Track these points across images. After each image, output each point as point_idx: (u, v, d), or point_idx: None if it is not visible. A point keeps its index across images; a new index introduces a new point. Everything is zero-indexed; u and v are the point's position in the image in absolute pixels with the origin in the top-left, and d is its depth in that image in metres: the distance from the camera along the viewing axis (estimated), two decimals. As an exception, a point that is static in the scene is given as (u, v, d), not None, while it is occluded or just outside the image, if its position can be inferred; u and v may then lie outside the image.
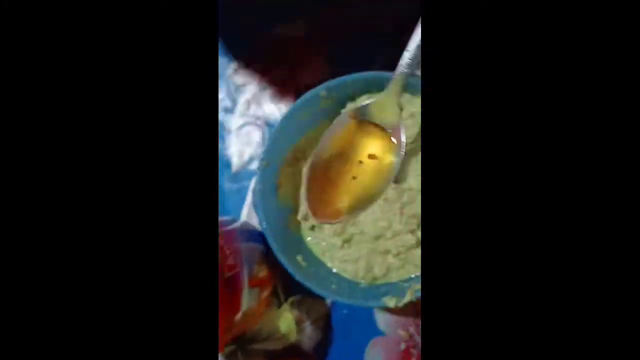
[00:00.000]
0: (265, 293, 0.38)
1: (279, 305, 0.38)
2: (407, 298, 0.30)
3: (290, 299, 0.38)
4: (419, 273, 0.33)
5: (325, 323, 0.38)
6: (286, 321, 0.39)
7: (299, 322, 0.38)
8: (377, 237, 0.32)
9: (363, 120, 0.30)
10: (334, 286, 0.33)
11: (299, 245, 0.35)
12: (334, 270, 0.35)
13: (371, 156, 0.30)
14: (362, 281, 0.34)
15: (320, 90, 0.33)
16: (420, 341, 0.36)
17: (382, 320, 0.36)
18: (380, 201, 0.32)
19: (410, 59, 0.29)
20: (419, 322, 0.36)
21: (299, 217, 0.35)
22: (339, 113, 0.35)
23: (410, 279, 0.33)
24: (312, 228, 0.35)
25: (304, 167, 0.36)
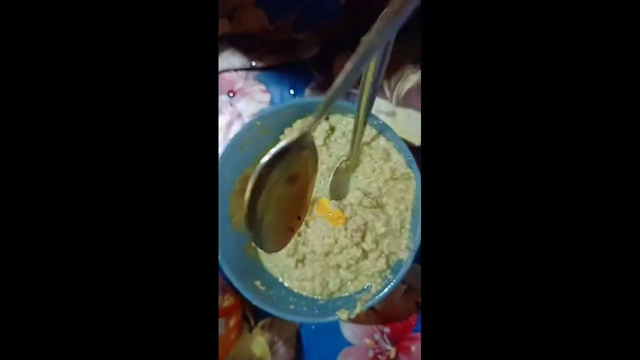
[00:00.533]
0: (234, 320, 0.40)
1: (250, 330, 0.40)
2: (358, 309, 0.31)
3: (261, 323, 0.39)
4: (370, 283, 0.34)
5: (296, 341, 0.39)
6: (259, 345, 0.40)
7: (271, 344, 0.39)
8: (327, 254, 0.34)
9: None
10: (292, 306, 0.34)
11: (258, 270, 0.36)
12: (295, 290, 0.36)
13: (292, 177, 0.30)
14: (320, 297, 0.35)
15: (255, 121, 0.35)
16: (386, 347, 0.37)
17: (348, 331, 0.38)
18: (324, 219, 0.33)
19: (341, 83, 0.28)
20: (383, 328, 0.37)
21: (254, 243, 0.36)
22: (279, 140, 0.36)
23: (364, 289, 0.34)
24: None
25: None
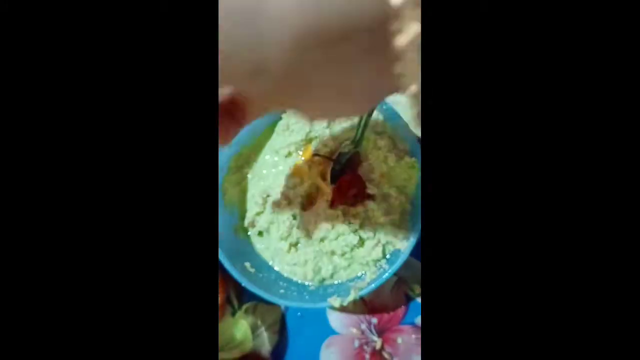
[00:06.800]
0: (218, 302, 0.38)
1: (234, 313, 0.38)
2: (351, 297, 0.31)
3: (244, 306, 0.38)
4: (364, 271, 0.33)
5: (280, 327, 0.38)
6: (241, 329, 0.39)
7: (254, 329, 0.38)
8: (322, 239, 0.33)
9: None
10: (282, 290, 0.33)
11: (248, 251, 0.35)
12: (284, 274, 0.35)
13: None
14: (311, 283, 0.34)
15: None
16: (372, 338, 0.37)
17: (335, 319, 0.37)
18: (323, 205, 0.33)
19: None
20: (370, 319, 0.37)
21: (246, 223, 0.35)
22: (278, 120, 0.36)
23: (357, 277, 0.33)
24: (260, 234, 0.35)
25: (248, 173, 0.36)
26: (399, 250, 0.32)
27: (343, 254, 0.33)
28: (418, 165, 0.32)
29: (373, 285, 0.31)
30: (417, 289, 0.37)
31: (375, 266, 0.33)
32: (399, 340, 0.36)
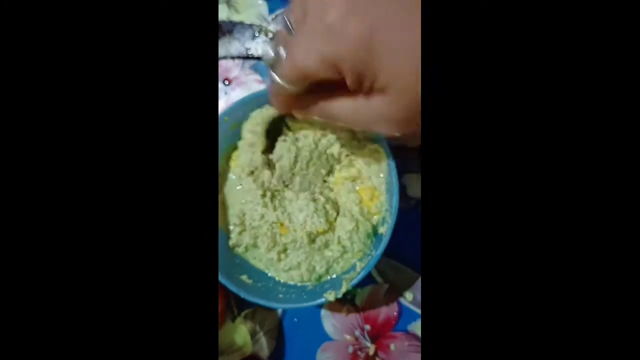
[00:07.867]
0: (219, 309, 0.40)
1: (233, 319, 0.40)
2: (344, 288, 0.31)
3: (244, 312, 0.40)
4: (356, 259, 0.34)
5: (278, 332, 0.39)
6: (241, 334, 0.40)
7: (253, 334, 0.40)
8: (312, 240, 0.34)
9: None
10: (280, 295, 0.34)
11: (243, 265, 0.36)
12: (282, 280, 0.36)
13: None
14: (309, 283, 0.35)
15: (223, 116, 0.34)
16: (365, 344, 0.37)
17: (329, 325, 0.38)
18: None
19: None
20: (364, 325, 0.37)
21: (230, 244, 0.36)
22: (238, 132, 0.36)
23: (351, 268, 0.34)
24: (246, 250, 0.36)
25: (224, 189, 0.37)
26: (381, 235, 0.33)
27: (339, 243, 0.34)
28: (385, 150, 0.32)
29: (362, 272, 0.31)
30: (409, 296, 0.37)
31: (364, 254, 0.34)
32: (392, 347, 0.37)
